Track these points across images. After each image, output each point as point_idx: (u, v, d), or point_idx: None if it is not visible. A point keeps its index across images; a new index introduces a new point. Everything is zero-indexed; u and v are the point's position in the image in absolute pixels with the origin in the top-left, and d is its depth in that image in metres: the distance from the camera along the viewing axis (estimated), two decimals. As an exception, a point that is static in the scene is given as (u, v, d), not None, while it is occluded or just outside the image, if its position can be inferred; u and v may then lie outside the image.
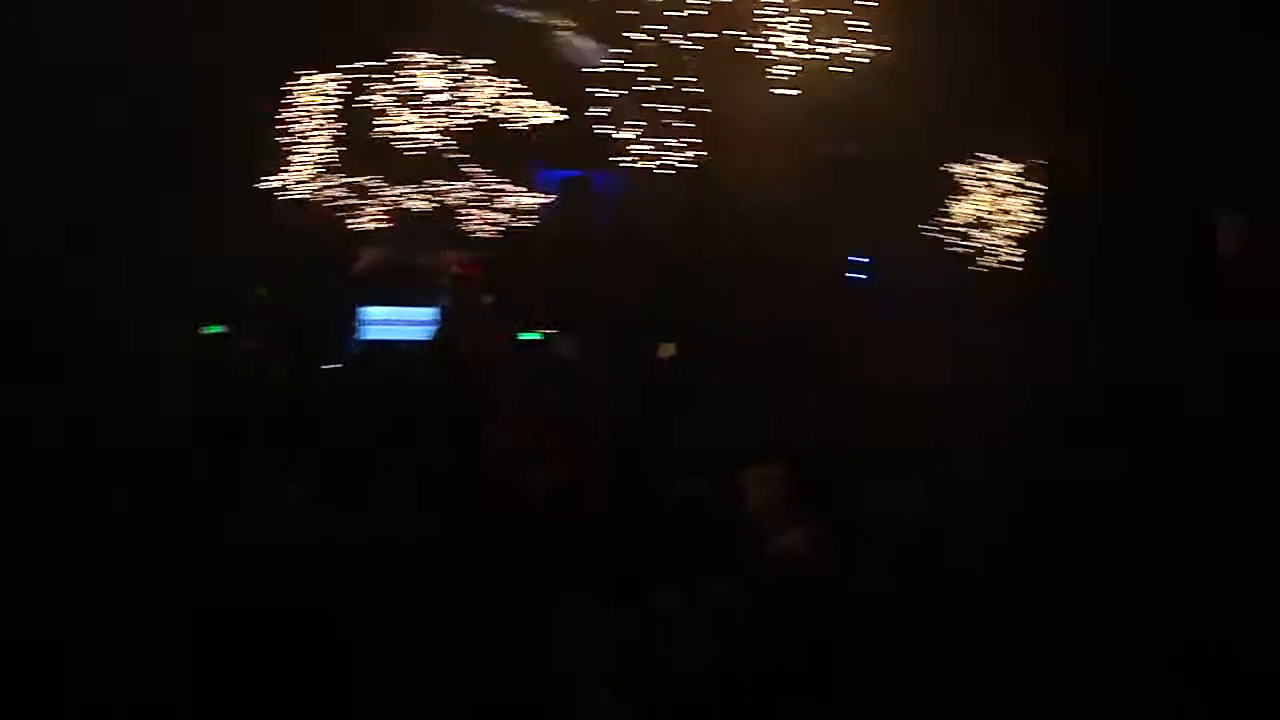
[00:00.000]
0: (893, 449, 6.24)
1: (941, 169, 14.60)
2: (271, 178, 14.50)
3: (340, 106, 14.76)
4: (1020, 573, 4.47)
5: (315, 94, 14.71)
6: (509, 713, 3.92)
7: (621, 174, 13.03)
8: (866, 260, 14.05)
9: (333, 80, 14.64)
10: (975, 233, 14.88)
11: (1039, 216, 13.38)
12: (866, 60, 9.56)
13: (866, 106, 11.72)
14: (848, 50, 9.40)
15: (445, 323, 9.82)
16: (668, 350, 13.24)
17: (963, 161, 14.90)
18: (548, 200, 16.32)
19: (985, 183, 15.03)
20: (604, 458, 6.75)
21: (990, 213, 15.01)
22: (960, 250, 14.74)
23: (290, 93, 14.56)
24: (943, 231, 14.69)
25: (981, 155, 14.92)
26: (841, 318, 11.30)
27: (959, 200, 14.94)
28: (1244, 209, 9.80)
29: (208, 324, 13.31)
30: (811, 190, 12.07)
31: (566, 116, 14.38)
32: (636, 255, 13.62)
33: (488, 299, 13.58)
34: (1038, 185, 14.14)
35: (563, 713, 3.92)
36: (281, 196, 14.58)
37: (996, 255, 14.80)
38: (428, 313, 11.79)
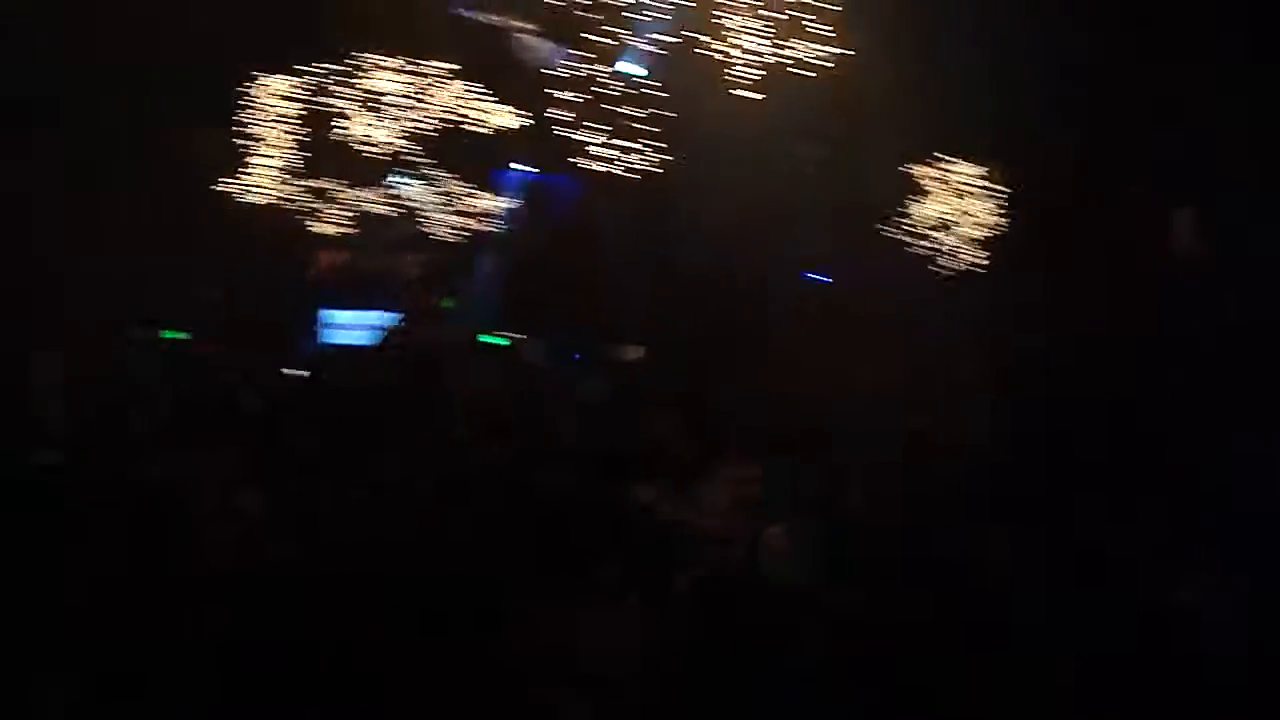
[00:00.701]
0: (855, 453, 6.26)
1: (901, 170, 14.67)
2: (231, 180, 14.37)
3: (300, 109, 14.65)
4: (976, 581, 4.48)
5: (275, 96, 14.59)
6: (475, 715, 3.91)
7: (582, 176, 12.99)
8: (828, 262, 14.08)
9: (292, 82, 14.53)
10: (935, 234, 14.97)
11: (999, 217, 13.48)
12: (827, 63, 9.58)
13: (826, 108, 11.75)
14: (808, 52, 9.41)
15: (400, 327, 9.76)
16: (634, 353, 13.23)
17: (922, 163, 14.98)
18: (508, 202, 16.26)
19: (944, 183, 15.12)
20: (569, 459, 6.72)
21: (950, 214, 15.10)
22: (921, 251, 14.82)
23: (250, 94, 14.43)
24: (903, 232, 14.76)
25: (941, 156, 15.00)
26: (804, 319, 11.33)
27: (919, 201, 15.02)
28: (1199, 210, 9.91)
29: (167, 328, 13.19)
30: (772, 192, 12.09)
31: (527, 119, 14.33)
32: (599, 257, 13.60)
33: (448, 302, 13.49)
34: (997, 186, 14.24)
35: (529, 713, 3.91)
36: (241, 199, 14.44)
37: (957, 256, 14.88)
38: (387, 317, 11.70)
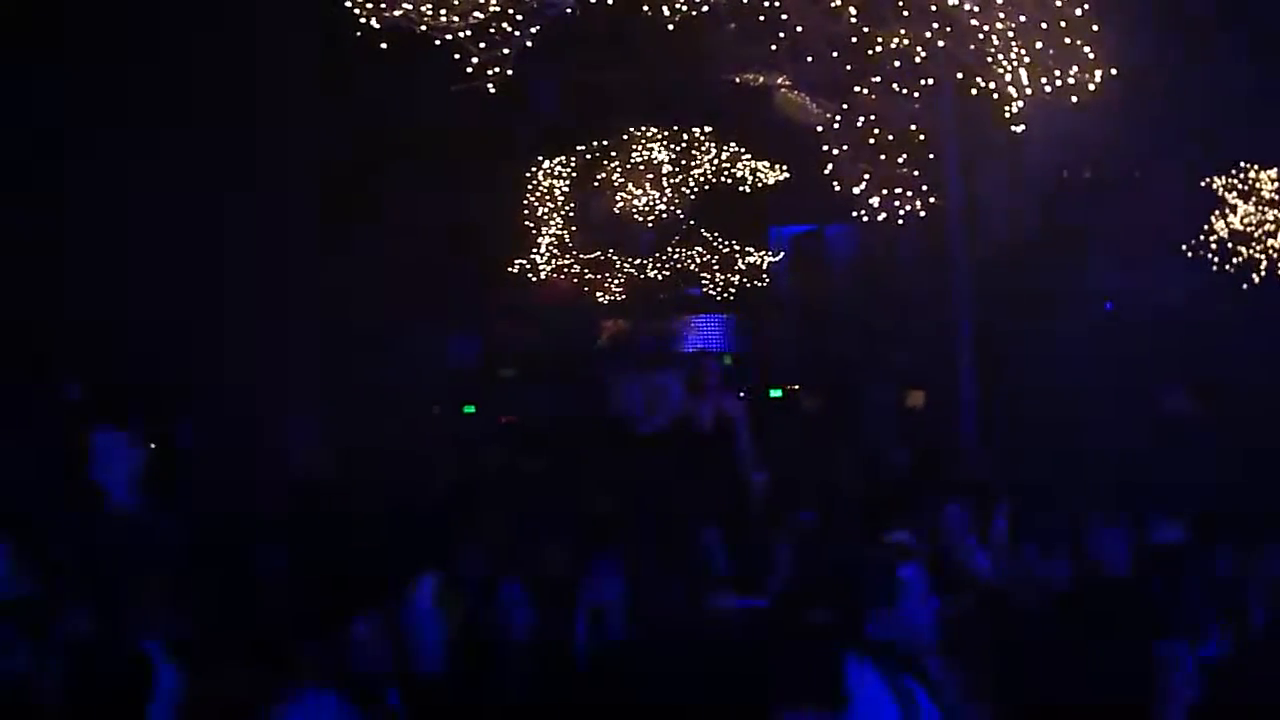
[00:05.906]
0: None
1: (1198, 184, 13.86)
2: (516, 260, 15.08)
3: (575, 185, 15.26)
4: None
5: (550, 176, 15.25)
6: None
7: (855, 226, 12.92)
8: (1119, 289, 13.43)
9: (568, 160, 15.15)
10: (1238, 247, 14.05)
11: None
12: (1104, 85, 9.17)
13: (1109, 131, 11.25)
14: (1083, 77, 9.03)
15: (686, 388, 9.86)
16: (917, 399, 12.96)
17: (1221, 174, 14.10)
18: (781, 258, 16.37)
19: (1245, 195, 14.20)
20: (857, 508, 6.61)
21: (1254, 225, 14.15)
22: (1222, 268, 13.93)
23: (530, 176, 15.12)
24: (1202, 249, 13.92)
25: (1242, 166, 14.10)
26: (1096, 352, 10.81)
27: (1217, 216, 14.14)
28: None
29: (465, 404, 13.91)
30: (1058, 222, 11.65)
31: (794, 174, 14.39)
32: (874, 304, 13.46)
33: (728, 359, 13.65)
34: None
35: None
36: (526, 277, 15.13)
37: (1261, 270, 13.91)
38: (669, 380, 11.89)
